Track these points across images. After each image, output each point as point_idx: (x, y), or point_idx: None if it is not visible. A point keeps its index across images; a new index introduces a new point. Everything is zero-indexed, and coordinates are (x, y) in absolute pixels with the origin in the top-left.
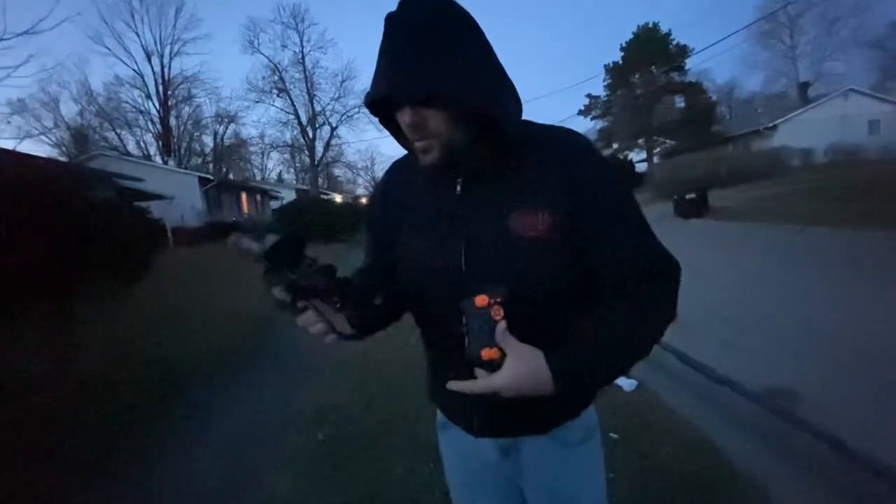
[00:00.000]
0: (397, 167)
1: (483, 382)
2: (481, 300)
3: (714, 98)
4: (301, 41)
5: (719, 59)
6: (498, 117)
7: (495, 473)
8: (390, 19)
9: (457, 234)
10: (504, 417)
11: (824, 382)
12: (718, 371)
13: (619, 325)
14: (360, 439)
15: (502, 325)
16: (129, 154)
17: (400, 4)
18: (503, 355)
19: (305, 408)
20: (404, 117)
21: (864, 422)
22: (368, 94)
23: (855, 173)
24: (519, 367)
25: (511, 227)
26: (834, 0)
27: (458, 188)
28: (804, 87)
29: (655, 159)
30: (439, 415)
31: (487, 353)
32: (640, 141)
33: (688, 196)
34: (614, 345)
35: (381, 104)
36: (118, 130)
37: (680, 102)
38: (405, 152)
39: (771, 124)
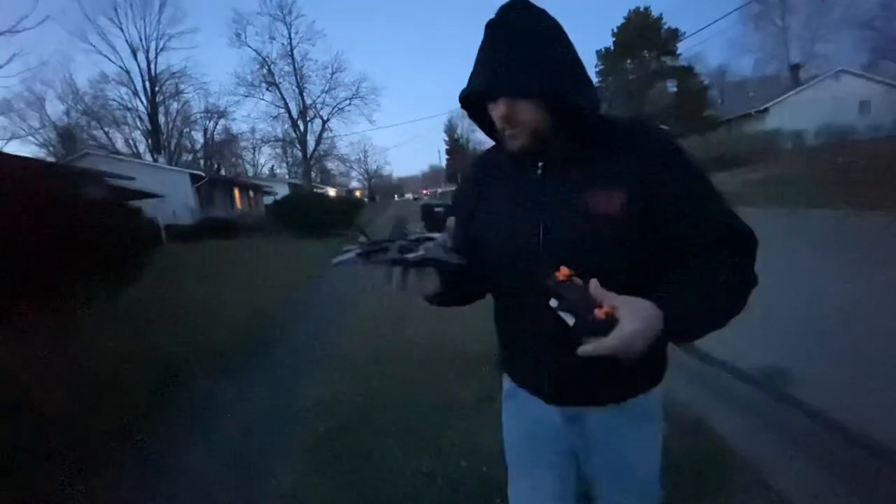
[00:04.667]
0: (482, 159)
1: (610, 342)
2: (563, 272)
3: (706, 82)
4: (289, 33)
5: (711, 42)
6: (580, 107)
7: (556, 440)
8: (491, 25)
9: (535, 213)
10: (575, 386)
11: (813, 360)
12: (710, 352)
13: (710, 278)
14: (360, 432)
15: (594, 282)
16: (118, 152)
17: (498, 13)
18: (614, 308)
19: (306, 402)
20: (499, 109)
21: (855, 399)
22: (464, 89)
23: (845, 155)
24: (635, 314)
25: (586, 206)
26: None
27: (539, 172)
28: (795, 69)
29: None
30: (507, 384)
31: (601, 312)
32: None
33: None
34: (710, 292)
35: (474, 99)
36: (106, 129)
37: (672, 87)
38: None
39: (763, 107)
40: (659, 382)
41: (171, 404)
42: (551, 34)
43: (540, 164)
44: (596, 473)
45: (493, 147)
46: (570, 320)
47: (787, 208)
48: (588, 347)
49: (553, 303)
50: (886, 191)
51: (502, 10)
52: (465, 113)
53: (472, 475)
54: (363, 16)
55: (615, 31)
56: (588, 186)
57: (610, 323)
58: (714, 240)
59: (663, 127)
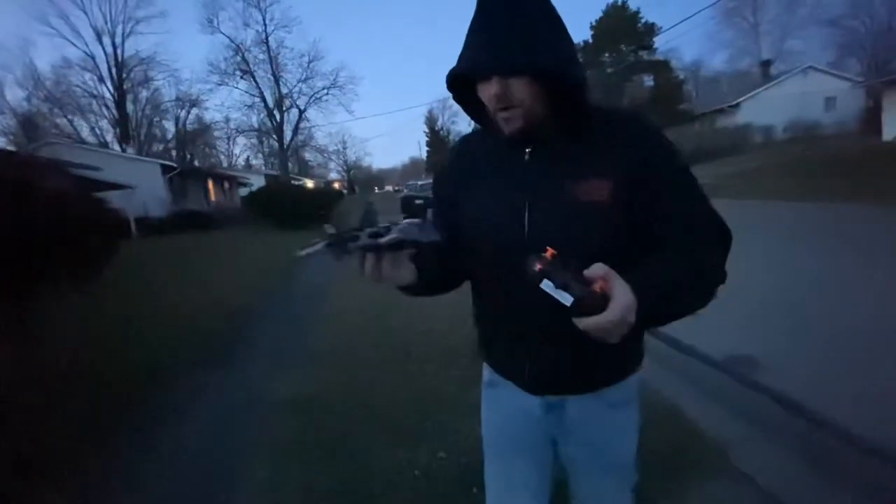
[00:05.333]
0: (466, 140)
1: (610, 315)
2: (550, 252)
3: (681, 77)
4: (264, 19)
5: (686, 37)
6: (575, 85)
7: (535, 429)
8: (482, 1)
9: (521, 197)
10: (557, 376)
11: (778, 346)
12: (683, 340)
13: (681, 267)
14: (336, 426)
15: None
16: (83, 142)
17: None
18: (606, 283)
19: (281, 396)
20: (491, 88)
21: (818, 382)
22: (453, 69)
23: (812, 149)
24: (625, 287)
25: (573, 191)
26: None
27: (527, 156)
28: (766, 64)
29: None
30: (487, 373)
31: (597, 287)
32: None
33: None
34: (681, 279)
35: (462, 82)
36: (70, 116)
37: (649, 81)
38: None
39: (734, 102)
40: (636, 369)
41: (136, 404)
42: (543, 11)
43: (528, 149)
44: (573, 459)
45: (475, 132)
46: (568, 300)
47: (758, 199)
48: (590, 321)
49: (546, 284)
50: (848, 183)
51: None
52: (452, 96)
53: (450, 466)
54: (341, 3)
55: (594, 24)
56: (576, 173)
57: (606, 297)
58: (695, 234)
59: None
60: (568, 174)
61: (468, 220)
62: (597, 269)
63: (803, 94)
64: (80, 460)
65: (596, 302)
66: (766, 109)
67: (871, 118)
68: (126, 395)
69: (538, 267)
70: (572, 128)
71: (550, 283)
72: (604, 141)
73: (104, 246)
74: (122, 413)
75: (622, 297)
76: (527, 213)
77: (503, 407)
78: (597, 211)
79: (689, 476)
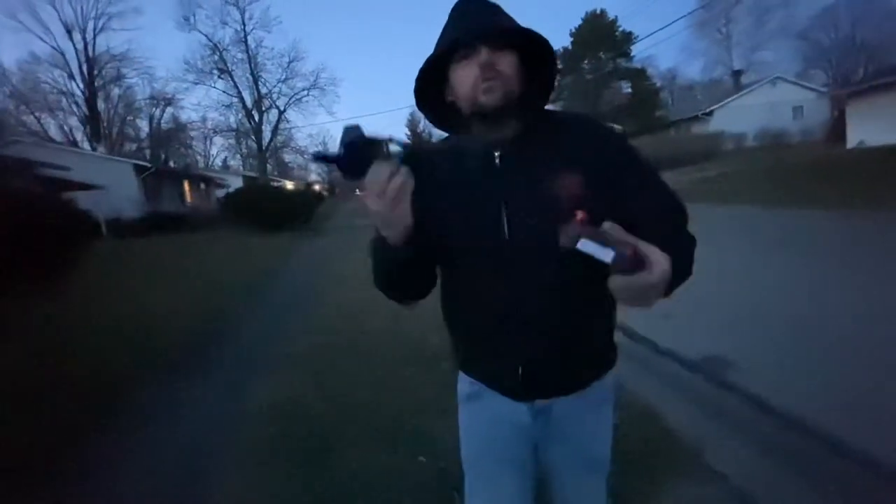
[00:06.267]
0: (415, 154)
1: (654, 277)
2: (581, 215)
3: (658, 84)
4: (242, 18)
5: (663, 46)
6: (551, 70)
7: (523, 440)
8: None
9: (497, 198)
10: (547, 377)
11: (752, 348)
12: (660, 342)
13: (679, 243)
14: (313, 432)
15: (607, 224)
16: (51, 140)
17: None
18: (636, 247)
19: (258, 403)
20: (480, 57)
21: (789, 383)
22: (434, 52)
23: (781, 156)
24: (659, 252)
25: (548, 188)
26: None
27: (497, 160)
28: (737, 74)
29: None
30: (467, 386)
31: (631, 250)
32: None
33: None
34: (681, 252)
35: (430, 80)
36: (37, 114)
37: (626, 88)
38: None
39: (708, 110)
40: (612, 366)
41: (105, 413)
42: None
43: (497, 153)
44: (556, 461)
45: (424, 147)
46: (609, 255)
47: (731, 205)
48: (638, 280)
49: (584, 244)
50: (815, 189)
51: None
52: (416, 100)
53: (430, 471)
54: (322, 4)
55: (573, 31)
56: (548, 171)
57: (640, 258)
58: (669, 218)
59: (616, 126)
60: (540, 173)
61: (442, 228)
62: (621, 233)
63: (772, 104)
64: (47, 468)
65: (636, 261)
66: (737, 117)
67: (836, 127)
68: (91, 403)
69: (575, 230)
70: (536, 130)
71: (590, 243)
72: (568, 141)
73: (70, 248)
74: (84, 422)
75: (660, 259)
76: (504, 214)
77: (489, 419)
78: (573, 205)
79: (663, 475)
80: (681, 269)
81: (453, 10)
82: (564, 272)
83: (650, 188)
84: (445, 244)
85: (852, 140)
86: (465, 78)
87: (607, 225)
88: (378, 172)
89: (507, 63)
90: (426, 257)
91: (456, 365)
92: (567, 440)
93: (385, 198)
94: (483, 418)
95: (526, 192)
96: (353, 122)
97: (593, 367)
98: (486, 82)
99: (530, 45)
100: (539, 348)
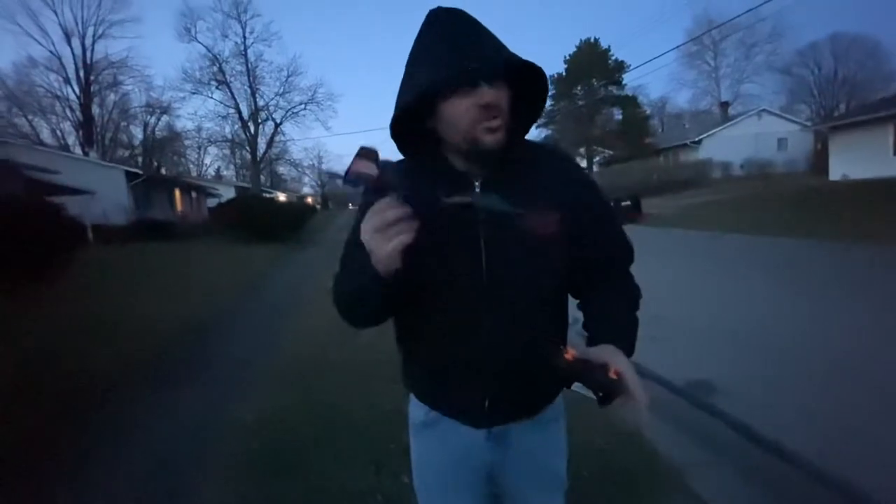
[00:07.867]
0: (392, 176)
1: (641, 399)
2: (570, 353)
3: (648, 112)
4: (243, 32)
5: (654, 75)
6: (544, 90)
7: (478, 465)
8: (445, 13)
9: (477, 237)
10: (511, 405)
11: (736, 372)
12: (644, 366)
13: (627, 305)
14: (297, 448)
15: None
16: (42, 143)
17: (439, 8)
18: (609, 362)
19: (239, 417)
20: (487, 96)
21: (771, 407)
22: (432, 82)
23: (767, 186)
24: (621, 356)
25: (528, 226)
26: (751, 27)
27: (478, 190)
28: (725, 105)
29: (595, 167)
30: (423, 414)
31: (612, 373)
32: (581, 150)
33: (623, 203)
34: (633, 321)
35: (415, 110)
36: (29, 116)
37: (618, 115)
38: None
39: (696, 139)
40: (563, 387)
41: (83, 424)
42: (483, 26)
43: (477, 182)
44: (513, 482)
45: (403, 164)
46: (597, 394)
47: (717, 231)
48: (633, 413)
49: (577, 387)
50: (798, 218)
51: (441, 9)
52: (391, 131)
53: (414, 492)
54: (323, 21)
55: (567, 58)
56: (525, 206)
57: (621, 380)
58: (620, 257)
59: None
60: (518, 207)
61: (419, 260)
62: (602, 354)
63: (758, 135)
64: (22, 477)
65: (616, 388)
66: (724, 147)
67: (819, 159)
68: (70, 411)
69: (566, 369)
70: (515, 161)
71: (580, 385)
72: (543, 175)
73: (54, 253)
74: (66, 430)
75: (631, 374)
76: (483, 251)
77: (445, 446)
78: (551, 245)
79: (647, 500)
80: (633, 333)
81: (438, 30)
82: (537, 308)
83: (606, 227)
84: (421, 277)
85: (835, 172)
86: (462, 114)
87: (587, 351)
88: (384, 208)
89: (505, 99)
90: (401, 289)
91: (408, 390)
92: (522, 462)
93: (385, 235)
94: (438, 446)
95: (505, 227)
96: (345, 135)
97: (552, 391)
98: (490, 122)
99: (522, 73)
100: (508, 381)
